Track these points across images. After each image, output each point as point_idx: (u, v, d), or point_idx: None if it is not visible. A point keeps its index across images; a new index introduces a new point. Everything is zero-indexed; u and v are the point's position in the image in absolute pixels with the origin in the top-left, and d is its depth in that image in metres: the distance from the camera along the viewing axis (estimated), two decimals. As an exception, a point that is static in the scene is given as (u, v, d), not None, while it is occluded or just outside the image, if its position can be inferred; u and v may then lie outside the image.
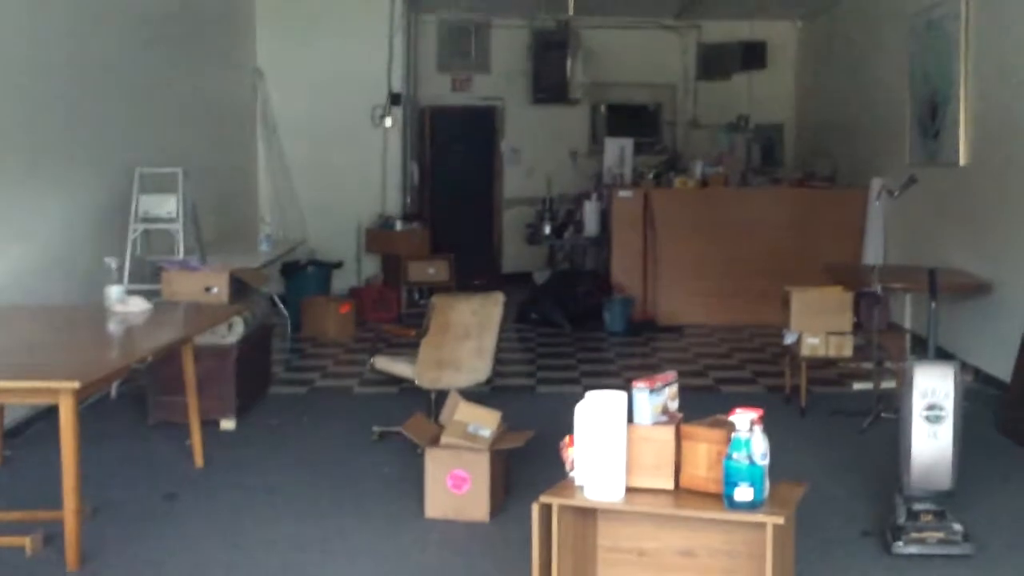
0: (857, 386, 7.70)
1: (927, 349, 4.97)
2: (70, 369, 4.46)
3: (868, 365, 7.21)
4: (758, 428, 3.52)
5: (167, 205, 7.87)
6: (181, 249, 7.87)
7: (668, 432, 3.67)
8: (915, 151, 9.34)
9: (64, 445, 4.32)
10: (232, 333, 6.70)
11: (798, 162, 13.33)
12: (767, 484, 3.55)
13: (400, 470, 5.73)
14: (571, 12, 12.08)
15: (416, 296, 11.84)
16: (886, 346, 7.21)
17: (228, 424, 6.64)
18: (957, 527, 4.57)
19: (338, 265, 11.14)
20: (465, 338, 6.04)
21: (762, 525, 3.49)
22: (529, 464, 5.33)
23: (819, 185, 11.10)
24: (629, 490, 3.66)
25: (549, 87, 13.79)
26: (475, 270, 12.53)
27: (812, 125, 13.42)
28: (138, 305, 5.87)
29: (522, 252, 13.76)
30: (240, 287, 7.00)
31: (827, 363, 7.50)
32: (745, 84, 13.98)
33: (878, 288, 6.92)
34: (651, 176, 11.30)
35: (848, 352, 7.04)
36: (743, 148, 12.94)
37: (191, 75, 9.69)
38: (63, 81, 7.11)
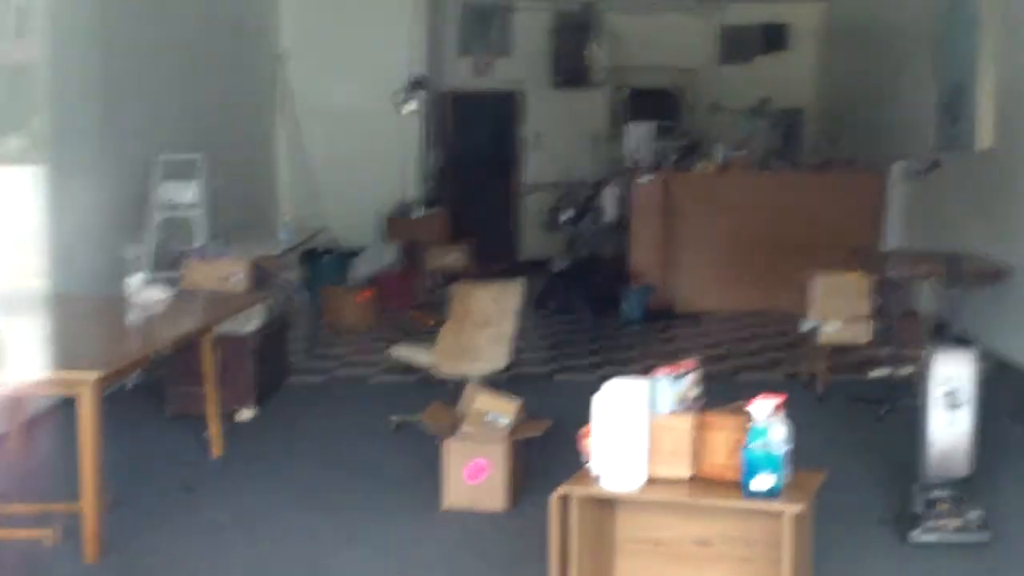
0: (874, 373, 7.66)
1: (945, 335, 4.95)
2: (90, 359, 4.46)
3: (886, 351, 7.17)
4: (778, 416, 3.50)
5: (188, 192, 7.86)
6: (204, 236, 7.86)
7: (686, 420, 3.66)
8: (939, 135, 9.26)
9: (83, 436, 4.32)
10: (250, 322, 6.67)
11: (819, 146, 13.22)
12: (786, 472, 3.53)
13: (418, 459, 5.74)
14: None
15: (437, 282, 11.82)
16: (903, 332, 7.17)
17: (247, 414, 6.63)
18: (974, 515, 4.56)
19: (356, 253, 11.13)
20: (484, 326, 6.04)
21: (779, 514, 3.48)
22: (546, 452, 5.32)
23: (840, 169, 11.01)
24: (646, 479, 3.64)
25: (570, 70, 13.74)
26: (495, 256, 12.49)
27: (833, 108, 13.31)
28: (158, 294, 5.86)
29: (541, 239, 13.71)
30: (261, 275, 6.98)
31: (846, 350, 7.47)
32: (767, 67, 13.87)
33: (895, 274, 6.87)
34: (672, 160, 11.22)
35: (867, 338, 6.99)
36: (765, 132, 12.83)
37: (211, 62, 9.69)
38: (83, 68, 7.12)
